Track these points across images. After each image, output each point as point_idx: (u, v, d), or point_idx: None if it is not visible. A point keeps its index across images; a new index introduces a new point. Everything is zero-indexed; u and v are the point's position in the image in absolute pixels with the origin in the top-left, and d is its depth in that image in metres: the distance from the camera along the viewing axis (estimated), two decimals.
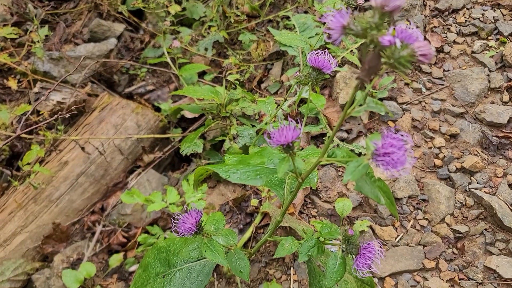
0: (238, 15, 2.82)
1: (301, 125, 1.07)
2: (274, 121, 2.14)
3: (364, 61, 0.87)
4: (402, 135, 0.88)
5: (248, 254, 1.56)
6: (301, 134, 1.21)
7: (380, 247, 1.10)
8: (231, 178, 1.06)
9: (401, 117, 2.29)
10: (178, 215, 1.22)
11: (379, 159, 0.88)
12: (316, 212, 2.01)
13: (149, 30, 2.85)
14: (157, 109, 2.70)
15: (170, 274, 1.41)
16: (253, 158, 1.17)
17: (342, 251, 1.17)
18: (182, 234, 1.20)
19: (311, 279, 1.32)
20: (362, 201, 2.02)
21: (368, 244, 1.12)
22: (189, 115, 2.57)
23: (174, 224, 1.21)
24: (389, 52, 0.88)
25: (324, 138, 2.21)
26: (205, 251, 1.21)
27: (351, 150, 2.15)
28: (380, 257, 1.10)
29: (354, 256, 1.13)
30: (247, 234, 1.93)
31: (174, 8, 2.55)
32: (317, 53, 1.26)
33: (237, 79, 2.43)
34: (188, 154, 2.05)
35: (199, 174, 1.16)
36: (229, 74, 2.16)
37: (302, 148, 2.22)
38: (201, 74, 2.72)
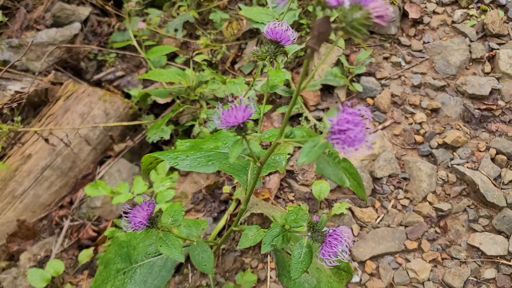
0: None
1: (254, 104, 0.96)
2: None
3: (313, 26, 0.77)
4: (359, 110, 0.78)
5: (215, 246, 1.48)
6: (256, 113, 1.11)
7: (347, 234, 1.01)
8: (180, 165, 0.96)
9: (380, 93, 2.18)
10: (128, 209, 1.12)
11: (334, 137, 0.78)
12: (294, 196, 1.93)
13: (115, 13, 2.70)
14: (128, 96, 2.57)
15: (131, 270, 1.32)
16: (206, 143, 1.07)
17: (309, 239, 1.08)
18: (133, 229, 1.10)
19: (280, 269, 1.23)
20: None
21: (334, 230, 1.03)
22: (161, 100, 2.45)
23: (124, 218, 1.11)
24: (341, 15, 0.78)
25: (300, 119, 2.11)
26: (160, 246, 1.11)
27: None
28: (348, 244, 1.01)
29: (319, 244, 1.04)
30: (221, 222, 1.84)
31: None
32: (274, 25, 1.14)
33: (205, 60, 2.31)
34: (155, 141, 1.94)
35: (147, 163, 1.06)
36: (197, 54, 2.04)
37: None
38: (173, 57, 2.59)
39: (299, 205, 1.85)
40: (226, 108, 0.97)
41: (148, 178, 1.13)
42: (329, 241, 1.02)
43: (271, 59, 1.17)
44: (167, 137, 1.90)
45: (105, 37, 2.77)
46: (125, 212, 1.12)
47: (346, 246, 1.01)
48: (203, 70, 2.05)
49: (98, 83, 2.65)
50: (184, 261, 1.10)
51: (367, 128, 0.78)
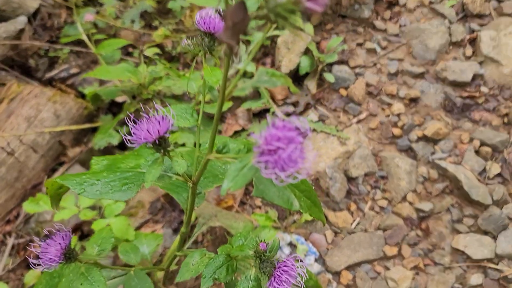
0: None
1: (172, 112, 0.77)
2: (207, 102, 1.84)
3: (225, 15, 0.58)
4: (292, 122, 0.59)
5: (161, 271, 1.29)
6: (190, 121, 0.91)
7: (302, 264, 0.83)
8: (87, 193, 0.77)
9: (354, 83, 2.00)
10: (39, 241, 0.92)
11: (262, 159, 0.59)
12: (261, 202, 1.75)
13: (65, 4, 2.46)
14: (84, 95, 2.35)
15: None
16: (126, 160, 0.88)
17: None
18: (45, 268, 0.91)
19: None
20: (313, 184, 1.76)
21: (284, 261, 0.84)
22: (119, 98, 2.23)
23: (35, 253, 0.92)
24: (263, 0, 0.59)
25: (267, 114, 1.92)
26: (81, 284, 0.93)
27: None
28: (302, 278, 0.83)
29: (268, 278, 0.86)
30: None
31: None
32: (207, 13, 0.94)
33: (165, 53, 2.10)
34: (102, 148, 1.74)
35: (56, 188, 0.87)
36: (148, 48, 1.83)
37: (243, 129, 1.93)
38: (129, 52, 2.37)
39: (267, 213, 1.67)
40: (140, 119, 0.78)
41: (58, 205, 0.94)
42: (278, 274, 0.84)
43: (206, 53, 0.97)
44: (115, 142, 1.70)
45: (57, 31, 2.54)
46: (35, 246, 0.93)
47: (299, 282, 0.84)
48: (155, 64, 1.85)
49: (50, 82, 2.43)
50: None
51: (303, 145, 0.60)
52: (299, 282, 0.84)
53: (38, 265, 0.89)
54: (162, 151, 0.76)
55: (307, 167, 0.61)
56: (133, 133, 0.75)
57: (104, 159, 0.88)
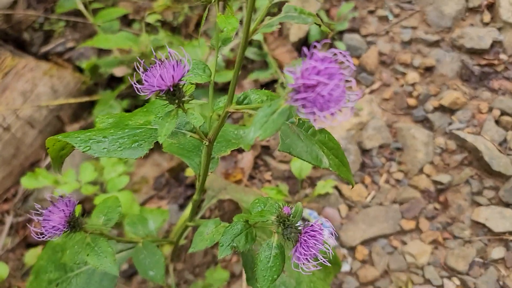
0: None
1: (187, 60, 0.68)
2: (217, 70, 1.74)
3: None
4: (334, 54, 0.51)
5: (171, 244, 1.22)
6: (204, 76, 0.82)
7: (329, 228, 0.75)
8: (93, 150, 0.69)
9: (366, 52, 1.90)
10: (40, 209, 0.84)
11: (299, 98, 0.51)
12: (271, 176, 1.67)
13: None
14: (81, 70, 2.25)
15: (65, 281, 1.06)
16: (135, 117, 0.79)
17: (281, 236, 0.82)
18: (48, 237, 0.83)
19: (249, 271, 0.98)
20: None
21: (312, 225, 0.76)
22: (118, 72, 2.13)
23: (38, 221, 0.84)
24: None
25: (275, 86, 1.83)
26: (87, 254, 0.85)
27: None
28: (330, 243, 0.76)
29: (293, 244, 0.78)
30: (187, 211, 1.57)
31: None
32: None
33: (166, 23, 2.00)
34: None
35: (58, 149, 0.79)
36: (149, 14, 1.73)
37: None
38: (129, 23, 2.26)
39: (277, 186, 1.59)
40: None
41: (60, 168, 0.85)
42: (305, 240, 0.76)
43: (220, 2, 0.88)
44: (116, 112, 1.61)
45: (52, 3, 2.42)
46: (36, 213, 0.85)
47: (328, 246, 0.76)
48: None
49: (46, 57, 2.32)
50: (118, 273, 0.85)
51: (347, 81, 0.51)
52: (327, 248, 0.77)
53: (41, 234, 0.81)
54: (176, 101, 0.68)
55: (350, 108, 0.52)
56: (144, 81, 0.67)
57: (109, 116, 0.79)
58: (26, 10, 2.36)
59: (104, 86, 2.20)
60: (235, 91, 1.79)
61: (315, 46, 0.51)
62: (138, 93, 0.66)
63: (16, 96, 1.95)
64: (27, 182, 1.51)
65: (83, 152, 0.69)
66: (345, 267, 1.46)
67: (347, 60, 0.50)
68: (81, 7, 2.00)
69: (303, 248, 0.76)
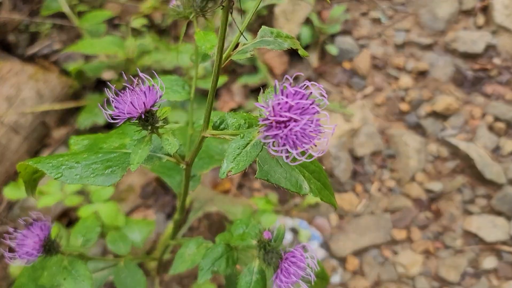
0: None
1: (160, 82, 0.65)
2: (200, 78, 1.70)
3: None
4: (306, 87, 0.47)
5: (155, 260, 1.19)
6: (183, 93, 0.79)
7: (311, 253, 0.72)
8: (65, 177, 0.65)
9: (358, 56, 1.87)
10: (13, 232, 0.81)
11: (270, 134, 0.47)
12: (261, 184, 1.63)
13: None
14: (68, 73, 2.20)
15: None
16: (109, 140, 0.75)
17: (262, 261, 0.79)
18: (22, 262, 0.80)
19: None
20: None
21: (292, 251, 0.74)
22: (106, 76, 2.09)
23: (10, 245, 0.81)
24: None
25: (267, 90, 1.79)
26: (64, 278, 0.82)
27: None
28: (312, 269, 0.73)
29: (273, 270, 0.75)
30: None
31: None
32: None
33: (154, 26, 1.95)
34: (87, 127, 1.62)
35: (30, 173, 0.75)
36: (135, 19, 1.68)
37: (240, 106, 1.81)
38: (116, 25, 2.22)
39: (266, 195, 1.56)
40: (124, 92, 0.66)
41: (34, 191, 0.82)
42: (285, 266, 0.73)
43: (198, 16, 0.84)
44: (101, 122, 1.58)
45: (38, 4, 2.37)
46: (9, 238, 0.82)
47: (310, 271, 0.73)
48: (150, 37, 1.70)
49: (32, 59, 2.27)
50: None
51: (319, 115, 0.48)
52: (309, 274, 0.74)
53: (15, 258, 0.78)
54: (149, 127, 0.64)
55: (324, 143, 0.49)
56: (115, 107, 0.63)
57: (84, 138, 0.76)
58: (11, 12, 2.31)
59: (92, 89, 2.16)
60: (224, 95, 1.75)
61: (287, 78, 0.48)
62: (108, 120, 0.62)
63: (1, 101, 1.90)
64: (10, 193, 1.47)
65: (54, 179, 0.66)
66: (335, 279, 1.43)
67: (321, 93, 0.47)
68: (66, 9, 1.95)
69: (283, 275, 0.73)
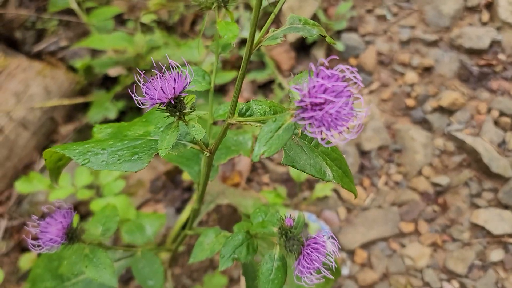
0: None
1: (188, 73, 0.66)
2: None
3: None
4: (342, 71, 0.49)
5: (169, 251, 1.20)
6: (203, 83, 0.80)
7: (334, 239, 0.74)
8: (92, 163, 0.67)
9: (363, 52, 1.89)
10: (37, 221, 0.82)
11: (306, 116, 0.49)
12: (269, 178, 1.65)
13: None
14: (75, 69, 2.21)
15: None
16: (133, 127, 0.77)
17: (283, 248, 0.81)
18: (46, 249, 0.81)
19: (249, 281, 0.97)
20: None
21: (315, 238, 0.75)
22: (112, 72, 2.10)
23: (36, 234, 0.82)
24: None
25: (273, 87, 1.81)
26: (86, 266, 0.83)
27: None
28: (333, 256, 0.74)
29: (295, 256, 0.77)
30: (185, 213, 1.56)
31: None
32: None
33: (161, 23, 1.97)
34: (98, 122, 1.63)
35: (55, 160, 0.77)
36: (144, 14, 1.70)
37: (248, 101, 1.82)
38: (124, 21, 2.23)
39: (275, 189, 1.57)
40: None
41: (58, 179, 0.83)
42: (308, 253, 0.75)
43: (220, 7, 0.85)
44: (112, 116, 1.59)
45: (45, 0, 2.37)
46: (36, 225, 0.83)
47: (331, 258, 0.75)
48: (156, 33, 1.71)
49: (39, 56, 2.28)
50: (117, 285, 0.83)
51: (355, 98, 0.49)
52: (330, 260, 0.75)
53: (38, 246, 0.79)
54: (177, 114, 0.66)
55: (357, 126, 0.50)
56: (145, 93, 0.64)
57: (108, 126, 0.77)
58: (18, 8, 2.32)
59: (99, 86, 2.17)
60: (231, 91, 1.76)
61: (322, 63, 0.49)
62: (138, 105, 0.64)
63: (9, 97, 1.91)
64: (21, 187, 1.48)
65: (81, 165, 0.67)
66: (344, 271, 1.45)
67: (355, 76, 0.49)
68: (74, 6, 1.96)
69: (306, 261, 0.75)
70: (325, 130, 0.49)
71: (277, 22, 1.91)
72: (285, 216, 0.80)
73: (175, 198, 1.64)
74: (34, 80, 1.98)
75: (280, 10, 1.96)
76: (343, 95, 0.48)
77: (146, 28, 1.86)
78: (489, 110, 1.71)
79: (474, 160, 1.60)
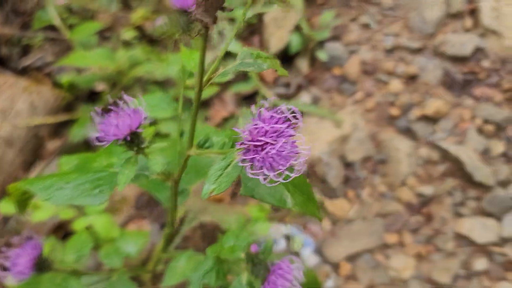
0: None
1: (144, 103, 0.66)
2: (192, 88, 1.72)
3: None
4: (280, 112, 0.49)
5: (148, 272, 1.20)
6: (169, 110, 0.81)
7: (298, 265, 0.74)
8: (56, 198, 0.67)
9: (347, 61, 1.89)
10: (6, 251, 0.82)
11: (247, 157, 0.49)
12: None
13: None
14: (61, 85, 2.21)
15: None
16: (99, 158, 0.77)
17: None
18: (16, 281, 0.81)
19: None
20: (309, 171, 1.66)
21: (279, 264, 0.75)
22: (98, 87, 2.10)
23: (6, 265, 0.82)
24: None
25: (257, 99, 1.81)
26: None
27: None
28: (297, 281, 0.74)
29: (261, 283, 0.77)
30: (170, 229, 1.55)
31: None
32: None
33: (145, 36, 1.97)
34: (80, 142, 1.63)
35: (20, 194, 0.77)
36: (126, 31, 1.70)
37: (232, 115, 1.82)
38: (106, 37, 2.23)
39: (260, 203, 1.57)
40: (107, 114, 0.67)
41: (25, 210, 0.83)
42: (273, 279, 0.75)
43: (184, 37, 0.85)
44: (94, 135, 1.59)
45: (30, 16, 2.38)
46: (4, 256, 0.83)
47: (295, 285, 0.75)
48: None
49: (25, 72, 2.28)
50: None
51: (295, 137, 0.50)
52: (296, 285, 0.75)
53: (8, 276, 0.80)
54: (135, 148, 0.66)
55: (301, 162, 0.50)
56: (101, 130, 0.65)
57: (75, 158, 0.77)
58: (3, 25, 2.32)
59: (85, 100, 2.17)
60: (216, 104, 1.76)
61: (262, 105, 0.49)
62: (95, 143, 0.64)
63: None
64: (5, 208, 1.48)
65: (44, 201, 0.68)
66: (329, 284, 1.45)
67: (295, 117, 0.49)
68: (57, 22, 1.96)
69: (271, 286, 0.75)
70: (267, 171, 0.49)
71: (260, 33, 1.91)
72: (252, 242, 0.80)
73: (160, 214, 1.64)
74: (20, 97, 1.98)
75: (263, 22, 1.95)
76: (284, 135, 0.49)
77: (128, 43, 1.86)
78: (473, 118, 1.71)
79: (458, 169, 1.60)
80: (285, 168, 0.49)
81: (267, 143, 0.48)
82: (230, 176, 0.54)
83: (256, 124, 0.48)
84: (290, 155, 0.49)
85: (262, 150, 0.48)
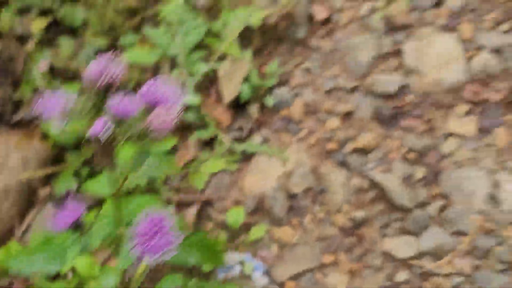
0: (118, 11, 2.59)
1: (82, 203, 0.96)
2: None
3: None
4: (159, 213, 0.78)
5: None
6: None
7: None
8: (28, 269, 0.96)
9: (292, 104, 2.18)
10: None
11: (141, 247, 0.79)
12: (213, 225, 1.94)
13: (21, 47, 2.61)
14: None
15: None
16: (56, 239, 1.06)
17: None
18: None
19: None
20: (258, 205, 1.95)
21: None
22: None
23: None
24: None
25: (215, 143, 2.10)
26: None
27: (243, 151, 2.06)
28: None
29: None
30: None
31: (38, 26, 2.32)
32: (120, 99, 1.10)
33: None
34: (63, 196, 1.93)
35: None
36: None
37: (194, 159, 2.11)
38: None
39: (217, 235, 1.87)
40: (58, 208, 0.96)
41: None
42: None
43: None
44: (74, 187, 1.89)
45: (20, 74, 2.69)
46: None
47: None
48: None
49: (18, 125, 2.59)
50: None
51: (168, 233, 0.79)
52: None
53: None
54: (81, 232, 0.95)
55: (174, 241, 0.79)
56: (54, 218, 0.94)
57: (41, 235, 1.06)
58: None
59: (73, 149, 2.47)
60: (181, 148, 2.05)
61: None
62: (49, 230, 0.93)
63: None
64: (3, 257, 1.77)
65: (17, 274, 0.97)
66: None
67: (168, 217, 0.78)
68: (41, 85, 2.27)
69: None
70: (153, 255, 0.78)
71: (216, 86, 2.21)
72: None
73: None
74: (13, 152, 2.28)
75: (217, 75, 2.26)
76: (161, 232, 0.78)
77: None
78: (398, 148, 2.00)
79: (383, 195, 1.88)
80: (164, 250, 0.78)
81: (152, 237, 0.77)
82: None
83: (142, 225, 0.77)
84: (168, 243, 0.78)
85: (151, 239, 0.78)
